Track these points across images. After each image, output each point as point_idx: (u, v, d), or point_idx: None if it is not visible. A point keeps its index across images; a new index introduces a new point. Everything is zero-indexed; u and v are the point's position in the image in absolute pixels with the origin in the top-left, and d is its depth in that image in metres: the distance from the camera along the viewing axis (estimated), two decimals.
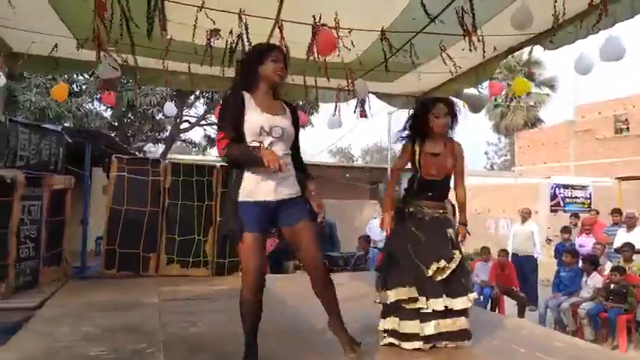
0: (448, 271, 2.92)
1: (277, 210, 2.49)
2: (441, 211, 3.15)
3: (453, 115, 3.17)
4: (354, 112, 5.69)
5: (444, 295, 2.90)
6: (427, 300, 2.89)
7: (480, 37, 3.74)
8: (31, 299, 4.18)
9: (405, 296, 2.90)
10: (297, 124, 2.64)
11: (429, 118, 3.11)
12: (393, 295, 2.94)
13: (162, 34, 3.65)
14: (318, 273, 2.59)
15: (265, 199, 2.43)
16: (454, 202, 3.28)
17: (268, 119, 2.45)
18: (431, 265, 2.90)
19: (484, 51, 3.97)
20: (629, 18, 3.29)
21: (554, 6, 3.33)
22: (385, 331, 3.03)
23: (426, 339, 2.90)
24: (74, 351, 2.83)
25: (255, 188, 2.43)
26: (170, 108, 7.08)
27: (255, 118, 2.43)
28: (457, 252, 3.01)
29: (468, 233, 3.28)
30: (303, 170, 2.68)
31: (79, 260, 5.84)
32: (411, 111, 3.53)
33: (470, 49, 3.70)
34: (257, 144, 2.41)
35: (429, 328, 2.87)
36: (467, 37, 3.58)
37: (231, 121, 2.44)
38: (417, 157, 3.13)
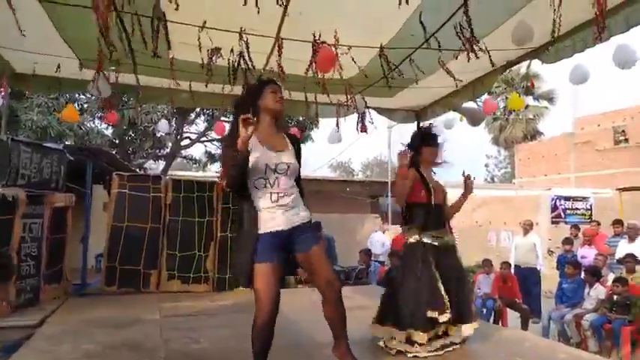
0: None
1: (290, 237, 2.53)
2: (451, 237, 3.38)
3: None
4: (356, 127, 5.74)
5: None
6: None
7: (484, 48, 3.78)
8: (31, 317, 4.17)
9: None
10: (299, 156, 2.71)
11: (421, 149, 3.41)
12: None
13: (167, 53, 3.70)
14: (331, 295, 2.58)
15: (278, 229, 2.48)
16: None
17: (273, 157, 2.52)
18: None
19: (492, 63, 4.00)
20: (623, 32, 3.34)
21: (553, 20, 3.38)
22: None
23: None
24: None
25: (269, 220, 2.48)
26: (164, 125, 7.13)
27: (261, 157, 2.49)
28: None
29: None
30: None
31: (79, 277, 5.83)
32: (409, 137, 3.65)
33: (469, 59, 3.73)
34: (263, 181, 2.49)
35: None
36: (466, 52, 3.62)
37: (229, 153, 2.48)
38: (425, 185, 3.30)
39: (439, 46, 3.75)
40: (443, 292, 3.07)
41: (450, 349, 3.15)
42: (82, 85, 4.80)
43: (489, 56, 3.78)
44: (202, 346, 3.35)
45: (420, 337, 3.02)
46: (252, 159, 2.47)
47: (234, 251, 2.63)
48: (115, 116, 6.21)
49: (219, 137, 12.97)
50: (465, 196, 3.51)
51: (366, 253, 8.60)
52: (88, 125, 10.77)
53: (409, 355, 3.04)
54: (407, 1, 2.99)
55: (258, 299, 2.43)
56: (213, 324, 3.99)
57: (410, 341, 3.06)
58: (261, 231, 2.45)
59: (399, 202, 3.45)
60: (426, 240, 3.20)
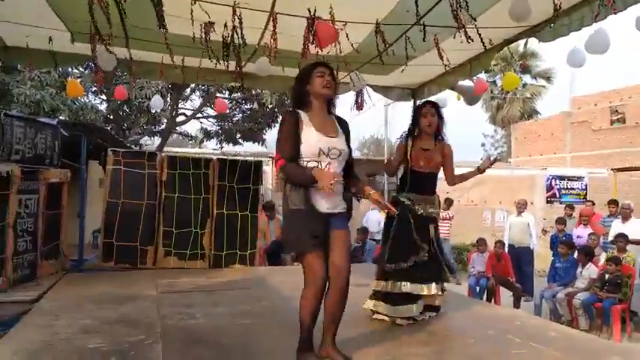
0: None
1: (328, 220, 2.58)
2: (430, 209, 3.56)
3: (439, 116, 3.63)
4: (353, 105, 5.70)
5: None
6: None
7: (476, 29, 3.75)
8: (29, 292, 4.21)
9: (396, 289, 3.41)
10: (349, 141, 2.75)
11: (419, 119, 3.61)
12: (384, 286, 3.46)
13: (161, 27, 3.62)
14: (338, 283, 2.57)
15: (321, 210, 2.55)
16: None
17: (326, 141, 2.57)
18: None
19: (483, 44, 3.96)
20: (620, 11, 3.30)
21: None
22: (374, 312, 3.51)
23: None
24: (72, 343, 2.86)
25: (319, 200, 2.54)
26: (158, 101, 7.04)
27: (314, 140, 2.55)
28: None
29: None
30: (355, 177, 2.81)
31: (76, 253, 5.86)
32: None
33: (468, 41, 3.70)
34: (315, 164, 2.53)
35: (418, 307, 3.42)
36: (462, 32, 3.58)
37: (288, 140, 2.56)
38: (409, 151, 3.57)
39: (437, 19, 3.69)
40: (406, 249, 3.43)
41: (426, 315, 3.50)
42: (75, 58, 4.73)
43: (481, 39, 3.75)
44: (198, 322, 3.39)
45: (375, 284, 3.51)
46: (306, 142, 2.54)
47: (287, 226, 2.69)
48: (123, 91, 6.14)
49: (216, 114, 12.92)
50: (478, 170, 3.65)
51: (363, 231, 8.64)
52: (82, 100, 10.62)
53: (379, 318, 3.43)
54: None
55: (314, 277, 2.50)
56: (209, 301, 4.03)
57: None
58: (309, 208, 2.50)
59: (386, 169, 3.89)
60: (401, 199, 3.54)
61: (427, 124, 3.57)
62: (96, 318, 3.40)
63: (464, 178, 3.75)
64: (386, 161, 3.97)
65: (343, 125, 2.76)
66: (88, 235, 7.34)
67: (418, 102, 3.99)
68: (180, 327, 3.26)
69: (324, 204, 2.54)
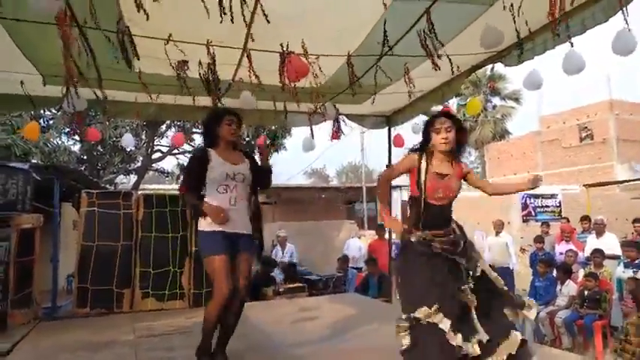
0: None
1: (234, 240, 3.06)
2: (475, 254, 2.84)
3: (458, 129, 2.85)
4: (330, 134, 5.78)
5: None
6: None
7: (447, 57, 3.87)
8: (0, 344, 4.01)
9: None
10: (255, 167, 3.30)
11: (430, 134, 2.83)
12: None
13: (132, 66, 3.63)
14: (235, 300, 3.00)
15: (225, 230, 3.02)
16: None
17: (232, 168, 3.13)
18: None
19: (452, 69, 4.09)
20: (581, 34, 3.46)
21: (515, 24, 3.47)
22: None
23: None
24: None
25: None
26: (129, 140, 6.99)
27: (222, 168, 3.09)
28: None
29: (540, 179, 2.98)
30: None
31: (49, 300, 5.64)
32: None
33: (435, 69, 3.81)
34: (225, 186, 3.08)
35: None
36: (430, 59, 3.69)
37: (190, 175, 3.20)
38: (422, 176, 2.78)
39: (407, 49, 3.80)
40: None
41: None
42: (46, 101, 4.68)
43: (451, 64, 3.86)
44: None
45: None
46: (216, 169, 3.08)
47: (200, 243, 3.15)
48: (96, 133, 6.09)
49: (191, 150, 12.89)
50: (526, 187, 2.99)
51: (343, 260, 8.59)
52: (55, 142, 10.47)
53: None
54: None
55: (217, 286, 2.93)
56: (189, 343, 3.88)
57: None
58: (213, 229, 2.99)
59: (384, 180, 3.09)
60: (413, 239, 2.75)
61: (442, 140, 2.78)
62: None
63: (506, 188, 3.59)
64: (381, 178, 3.13)
65: (248, 157, 3.31)
66: (62, 280, 7.10)
67: (431, 115, 3.02)
68: None
69: (229, 226, 3.02)
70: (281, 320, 4.72)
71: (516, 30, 3.54)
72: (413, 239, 2.74)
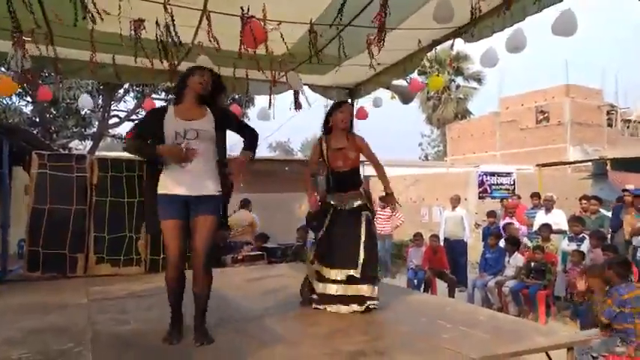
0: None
1: (191, 203, 2.85)
2: (359, 201, 3.69)
3: (351, 113, 3.86)
4: (292, 104, 5.75)
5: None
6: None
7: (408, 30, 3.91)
8: None
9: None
10: (222, 123, 3.01)
11: (335, 114, 3.70)
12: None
13: (85, 23, 3.48)
14: (197, 267, 2.86)
15: (179, 193, 2.83)
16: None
17: (183, 124, 2.87)
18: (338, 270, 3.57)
19: (406, 46, 4.14)
20: (536, 12, 3.57)
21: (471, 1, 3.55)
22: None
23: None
24: None
25: (171, 183, 2.85)
26: (87, 101, 6.72)
27: (171, 125, 2.87)
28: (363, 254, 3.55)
29: (398, 204, 4.09)
30: (249, 148, 3.09)
31: None
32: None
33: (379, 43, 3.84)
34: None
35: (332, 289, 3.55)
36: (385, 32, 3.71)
37: (139, 124, 3.15)
38: (325, 153, 3.72)
39: (368, 20, 3.80)
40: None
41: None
42: None
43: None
44: (132, 327, 3.28)
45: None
46: (165, 128, 2.87)
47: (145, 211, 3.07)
48: (47, 92, 5.80)
49: None
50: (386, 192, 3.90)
51: (304, 229, 8.67)
52: (4, 102, 9.97)
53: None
54: None
55: (166, 250, 2.86)
56: (144, 305, 3.91)
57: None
58: (164, 192, 2.84)
59: (307, 171, 4.04)
60: (328, 200, 3.73)
61: (341, 119, 3.68)
62: (20, 329, 3.20)
63: (383, 179, 3.87)
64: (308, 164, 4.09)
65: (216, 112, 3.00)
66: (13, 246, 6.88)
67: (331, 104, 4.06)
68: (113, 333, 3.13)
69: (182, 189, 2.82)
70: (238, 285, 4.78)
71: (472, 7, 3.61)
72: (328, 200, 3.78)
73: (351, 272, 3.51)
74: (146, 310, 3.76)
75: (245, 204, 8.19)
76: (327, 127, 3.79)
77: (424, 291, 7.29)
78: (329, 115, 3.77)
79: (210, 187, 2.89)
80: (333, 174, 3.74)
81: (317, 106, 6.29)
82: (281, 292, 4.35)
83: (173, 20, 3.70)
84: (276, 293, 4.35)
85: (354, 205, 3.66)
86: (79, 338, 2.97)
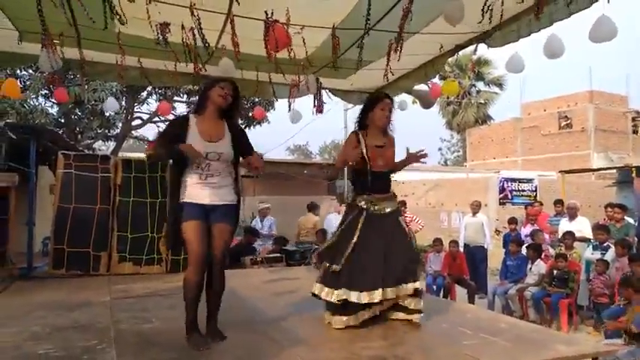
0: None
1: (211, 212, 2.95)
2: (393, 205, 3.40)
3: (391, 110, 3.45)
4: (313, 108, 5.76)
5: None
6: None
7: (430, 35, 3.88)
8: None
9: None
10: (239, 141, 3.11)
11: (374, 110, 3.38)
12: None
13: (114, 25, 3.56)
14: (215, 273, 2.95)
15: (202, 202, 2.93)
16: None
17: (205, 146, 2.93)
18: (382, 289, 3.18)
19: (419, 53, 4.09)
20: (565, 18, 3.50)
21: (485, 5, 3.49)
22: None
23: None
24: (21, 350, 2.75)
25: (195, 194, 2.94)
26: (112, 104, 6.85)
27: (195, 146, 2.89)
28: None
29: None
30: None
31: (25, 261, 5.61)
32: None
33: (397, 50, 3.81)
34: (196, 164, 2.94)
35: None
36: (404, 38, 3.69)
37: (163, 135, 3.20)
38: (364, 150, 3.32)
39: (392, 24, 3.79)
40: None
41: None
42: (22, 59, 4.57)
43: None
44: (154, 326, 3.33)
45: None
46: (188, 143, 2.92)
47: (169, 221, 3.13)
48: (64, 93, 5.94)
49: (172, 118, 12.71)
50: (406, 160, 3.48)
51: (323, 233, 8.68)
52: (32, 103, 10.22)
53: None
54: None
55: (189, 249, 2.86)
56: (165, 304, 3.96)
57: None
58: (188, 200, 2.92)
59: (337, 165, 3.72)
60: (361, 204, 3.30)
61: (381, 116, 3.37)
62: (46, 325, 3.28)
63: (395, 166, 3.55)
64: (337, 160, 3.70)
65: (233, 131, 3.11)
66: (37, 243, 7.05)
67: (368, 95, 3.76)
68: (135, 331, 3.19)
69: (204, 199, 2.93)
70: (257, 286, 4.81)
71: (484, 10, 3.54)
72: (361, 202, 3.34)
73: (416, 285, 3.26)
74: (168, 309, 3.80)
75: (312, 207, 8.33)
76: (363, 123, 3.46)
77: (443, 297, 7.21)
78: (366, 109, 3.45)
79: (228, 198, 3.04)
80: (372, 174, 3.32)
81: (335, 110, 6.29)
82: (299, 294, 4.36)
83: (200, 24, 3.75)
84: (294, 295, 4.36)
85: (388, 210, 3.34)
86: (102, 335, 3.03)
